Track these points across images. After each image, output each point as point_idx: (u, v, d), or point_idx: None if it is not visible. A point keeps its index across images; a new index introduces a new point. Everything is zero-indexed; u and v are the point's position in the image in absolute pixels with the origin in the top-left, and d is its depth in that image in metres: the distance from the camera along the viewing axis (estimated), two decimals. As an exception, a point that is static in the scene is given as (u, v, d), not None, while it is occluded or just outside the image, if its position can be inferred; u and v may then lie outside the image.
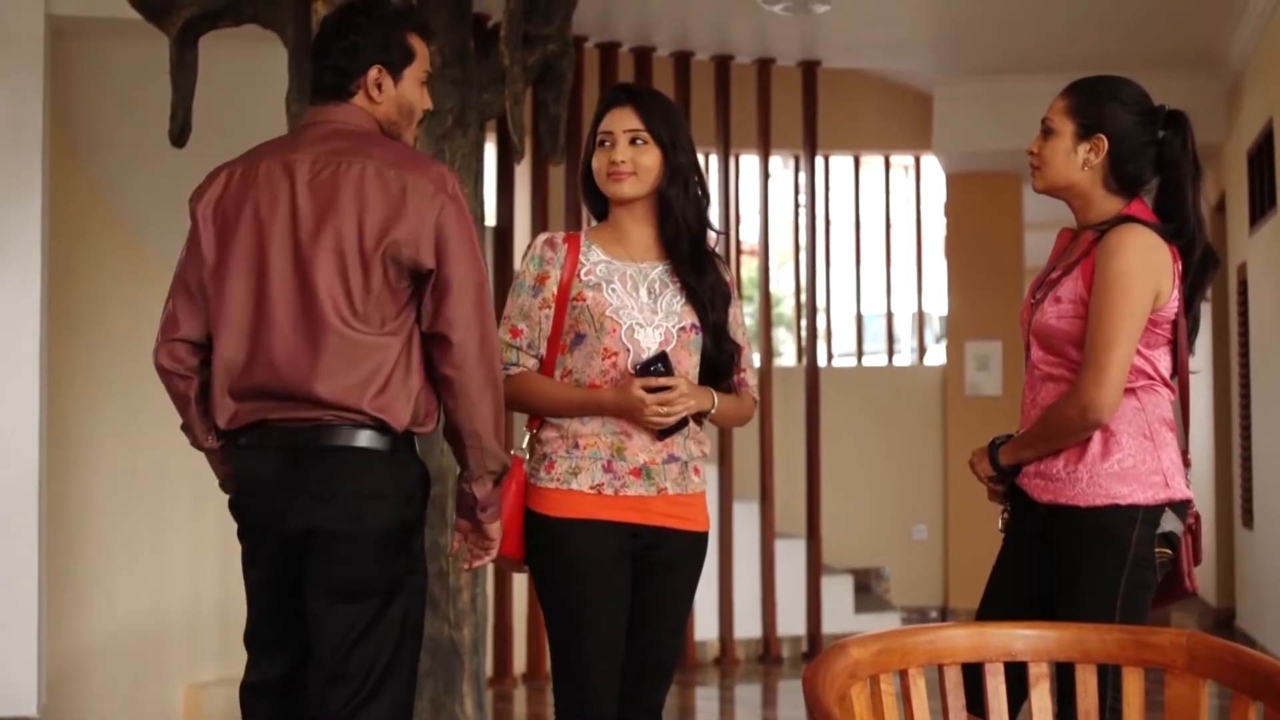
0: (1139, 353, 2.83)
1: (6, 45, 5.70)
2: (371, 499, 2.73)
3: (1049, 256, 3.06)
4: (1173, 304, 2.85)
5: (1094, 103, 2.90)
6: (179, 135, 4.65)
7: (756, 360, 7.04)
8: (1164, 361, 2.88)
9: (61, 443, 6.12)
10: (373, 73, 2.83)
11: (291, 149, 2.81)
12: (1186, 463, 2.92)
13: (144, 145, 5.88)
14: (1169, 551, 2.85)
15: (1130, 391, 2.83)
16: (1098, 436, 2.83)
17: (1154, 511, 2.81)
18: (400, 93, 2.86)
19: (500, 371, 2.81)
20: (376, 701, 2.74)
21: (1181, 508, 2.86)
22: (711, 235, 3.06)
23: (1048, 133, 2.95)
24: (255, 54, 5.36)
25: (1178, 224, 2.88)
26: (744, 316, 3.12)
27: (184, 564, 6.49)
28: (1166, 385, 2.90)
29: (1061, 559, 2.84)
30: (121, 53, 6.14)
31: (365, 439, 2.73)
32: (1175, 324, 2.88)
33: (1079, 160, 2.91)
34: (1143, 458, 2.82)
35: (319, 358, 2.71)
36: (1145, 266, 2.79)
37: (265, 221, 2.75)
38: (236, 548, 2.86)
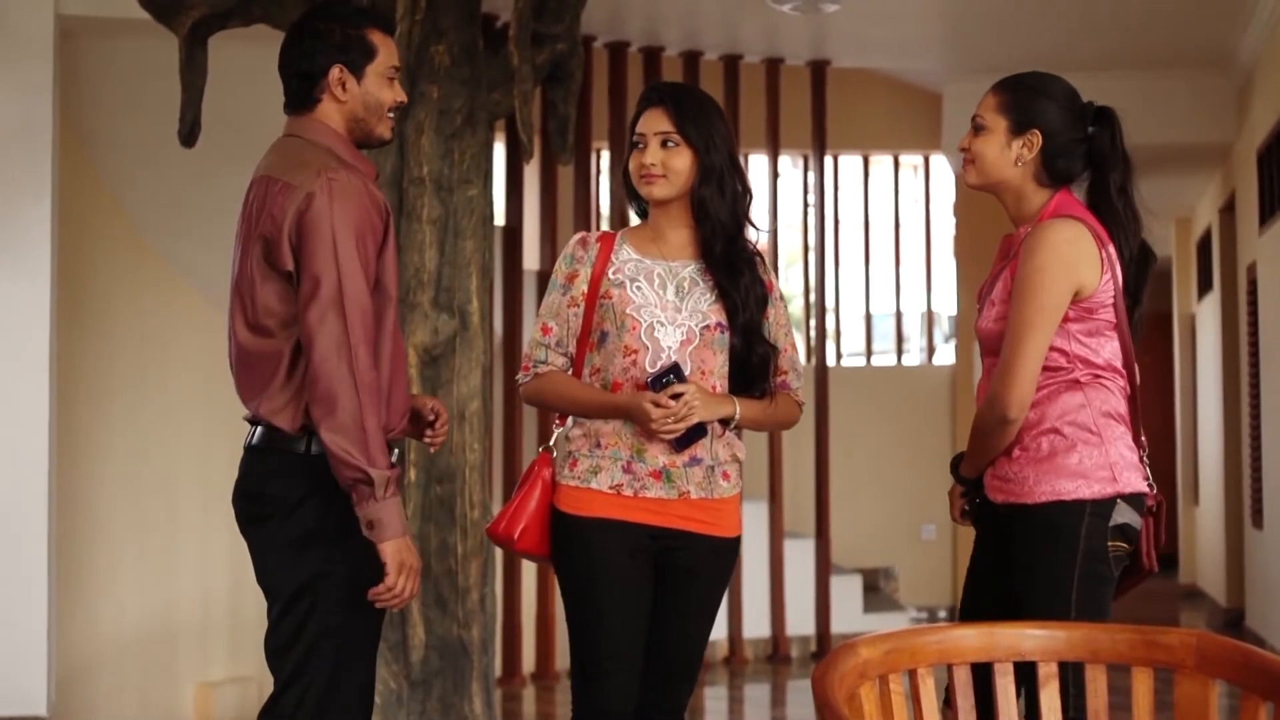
0: (1080, 341, 2.83)
1: (16, 44, 5.72)
2: None
3: (993, 263, 3.07)
4: (1105, 290, 2.83)
5: (1026, 99, 2.91)
6: (188, 135, 4.65)
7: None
8: (1108, 348, 2.86)
9: (70, 441, 6.14)
10: (334, 73, 2.80)
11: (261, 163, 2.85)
12: (1142, 449, 2.90)
13: (153, 145, 5.88)
14: (1125, 545, 2.82)
15: (1075, 386, 2.83)
16: (1045, 436, 2.82)
17: (1103, 505, 2.79)
18: (365, 90, 2.82)
19: (358, 374, 2.62)
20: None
21: (1137, 500, 2.83)
22: (752, 233, 3.03)
23: (979, 129, 2.95)
24: (264, 54, 5.34)
25: (1108, 219, 2.89)
26: (787, 318, 3.08)
27: (193, 562, 6.49)
28: (1117, 373, 2.87)
29: (1017, 558, 2.84)
30: (130, 53, 6.15)
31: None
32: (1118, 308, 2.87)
33: (1012, 156, 2.92)
34: (1088, 452, 2.80)
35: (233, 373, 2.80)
36: (1059, 261, 2.79)
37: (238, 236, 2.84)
38: (244, 545, 2.84)
